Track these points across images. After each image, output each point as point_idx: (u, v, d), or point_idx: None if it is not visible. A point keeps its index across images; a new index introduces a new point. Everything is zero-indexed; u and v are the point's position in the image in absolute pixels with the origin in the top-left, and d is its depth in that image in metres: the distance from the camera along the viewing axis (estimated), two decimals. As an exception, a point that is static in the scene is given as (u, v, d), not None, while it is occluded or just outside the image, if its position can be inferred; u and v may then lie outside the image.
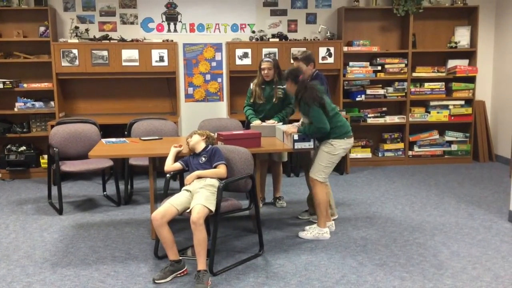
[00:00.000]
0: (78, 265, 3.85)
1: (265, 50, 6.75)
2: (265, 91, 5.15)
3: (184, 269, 3.66)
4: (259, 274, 3.66)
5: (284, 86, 5.06)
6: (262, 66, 5.10)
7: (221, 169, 3.87)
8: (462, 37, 7.26)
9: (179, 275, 3.61)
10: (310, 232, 4.37)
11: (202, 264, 3.47)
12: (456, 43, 7.22)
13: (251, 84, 5.25)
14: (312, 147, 4.35)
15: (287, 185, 6.22)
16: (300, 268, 3.76)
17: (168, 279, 3.56)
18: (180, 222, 4.45)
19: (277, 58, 6.67)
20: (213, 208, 3.59)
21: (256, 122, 5.02)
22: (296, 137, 4.31)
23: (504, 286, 3.45)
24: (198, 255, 3.48)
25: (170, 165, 4.06)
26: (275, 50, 6.76)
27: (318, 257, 3.96)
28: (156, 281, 3.53)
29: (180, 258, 3.67)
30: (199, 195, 3.65)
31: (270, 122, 4.98)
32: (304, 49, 5.18)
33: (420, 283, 3.50)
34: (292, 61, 4.86)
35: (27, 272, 3.74)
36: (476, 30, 7.17)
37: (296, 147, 4.33)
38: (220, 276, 3.63)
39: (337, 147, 4.25)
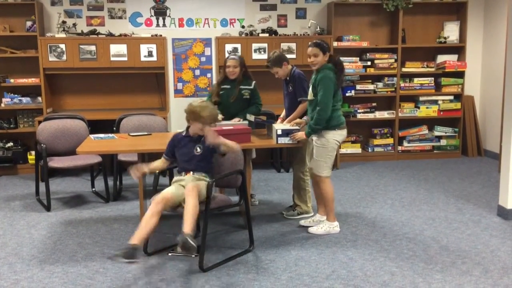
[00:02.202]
0: (66, 262, 3.81)
1: (254, 45, 6.71)
2: (225, 90, 4.95)
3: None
4: (250, 270, 3.65)
5: (251, 87, 4.99)
6: (228, 64, 4.90)
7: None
8: (451, 32, 7.28)
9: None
10: (321, 227, 4.37)
11: (188, 228, 3.32)
12: (445, 38, 7.24)
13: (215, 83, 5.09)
14: (296, 142, 4.33)
15: (277, 180, 6.22)
16: (290, 264, 3.75)
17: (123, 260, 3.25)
18: (172, 219, 4.44)
19: (266, 53, 6.65)
20: (204, 193, 3.59)
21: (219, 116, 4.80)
22: (279, 132, 4.29)
23: (493, 280, 3.46)
24: (185, 221, 3.34)
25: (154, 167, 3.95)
26: (265, 45, 6.73)
27: (309, 252, 3.96)
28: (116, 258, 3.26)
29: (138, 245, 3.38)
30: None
31: (235, 120, 4.87)
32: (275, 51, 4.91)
33: (410, 277, 3.51)
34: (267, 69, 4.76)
35: (14, 269, 3.69)
36: (465, 25, 7.19)
37: (279, 141, 4.32)
38: (210, 272, 3.61)
39: (329, 139, 4.21)
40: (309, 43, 4.31)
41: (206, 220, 3.61)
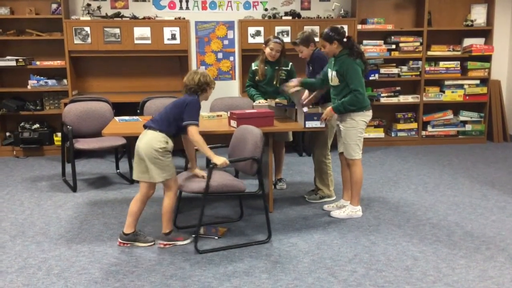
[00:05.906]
0: (92, 242, 3.89)
1: (277, 29, 6.67)
2: (267, 71, 5.03)
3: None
4: (272, 253, 3.67)
5: (288, 68, 5.02)
6: (272, 46, 4.91)
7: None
8: (478, 15, 7.14)
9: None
10: (343, 211, 4.38)
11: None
12: (472, 21, 7.09)
13: (253, 64, 5.13)
14: (323, 126, 4.32)
15: (299, 164, 6.22)
16: (312, 247, 3.76)
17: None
18: (195, 200, 4.48)
19: (289, 36, 6.61)
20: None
21: (261, 101, 4.92)
22: (307, 115, 4.27)
23: (518, 267, 3.44)
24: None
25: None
26: (288, 28, 6.68)
27: (331, 236, 3.97)
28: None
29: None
30: None
31: (270, 101, 4.89)
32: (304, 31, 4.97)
33: (433, 263, 3.50)
34: (292, 46, 4.76)
35: (42, 248, 3.79)
36: (493, 8, 7.03)
37: (307, 125, 4.31)
38: (233, 254, 3.65)
39: (359, 121, 4.22)
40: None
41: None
